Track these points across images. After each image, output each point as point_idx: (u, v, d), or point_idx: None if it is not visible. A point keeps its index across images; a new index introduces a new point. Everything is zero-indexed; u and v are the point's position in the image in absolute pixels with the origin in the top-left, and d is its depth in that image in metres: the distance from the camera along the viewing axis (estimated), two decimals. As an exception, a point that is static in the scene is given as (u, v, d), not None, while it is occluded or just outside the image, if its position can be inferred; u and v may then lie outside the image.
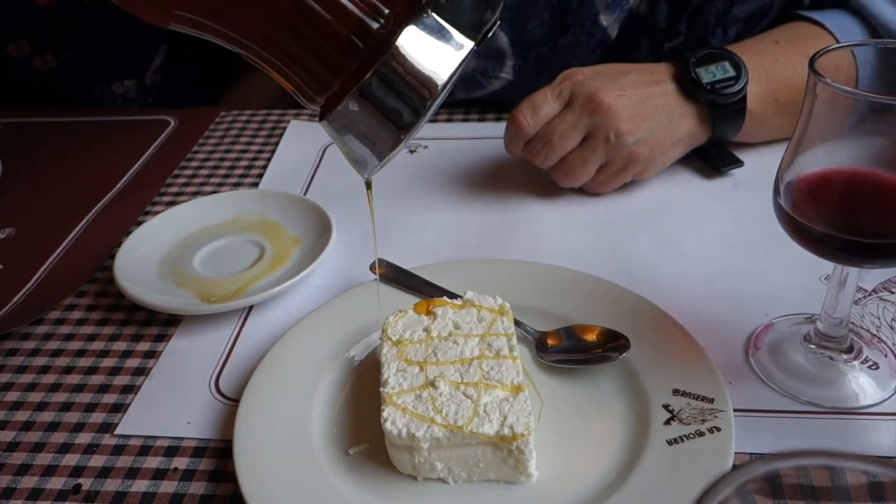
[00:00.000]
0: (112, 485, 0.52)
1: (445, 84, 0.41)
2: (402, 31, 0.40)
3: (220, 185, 0.86)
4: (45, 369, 0.62)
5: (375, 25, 0.40)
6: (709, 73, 0.73)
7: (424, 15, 0.41)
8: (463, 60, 0.42)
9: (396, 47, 0.40)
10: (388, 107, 0.41)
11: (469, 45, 0.42)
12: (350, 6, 0.40)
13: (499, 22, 0.43)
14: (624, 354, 0.55)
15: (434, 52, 0.41)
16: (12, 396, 0.60)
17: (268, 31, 0.40)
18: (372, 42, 0.40)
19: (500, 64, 0.90)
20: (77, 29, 1.02)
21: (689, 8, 0.84)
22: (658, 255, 0.69)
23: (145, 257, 0.71)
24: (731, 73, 0.73)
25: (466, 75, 0.90)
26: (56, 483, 0.52)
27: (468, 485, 0.49)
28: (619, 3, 0.85)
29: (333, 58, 0.40)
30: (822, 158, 0.49)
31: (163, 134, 0.96)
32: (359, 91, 0.41)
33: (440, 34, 0.41)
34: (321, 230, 0.72)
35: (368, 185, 0.51)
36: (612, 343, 0.56)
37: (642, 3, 0.86)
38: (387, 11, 0.41)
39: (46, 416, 0.58)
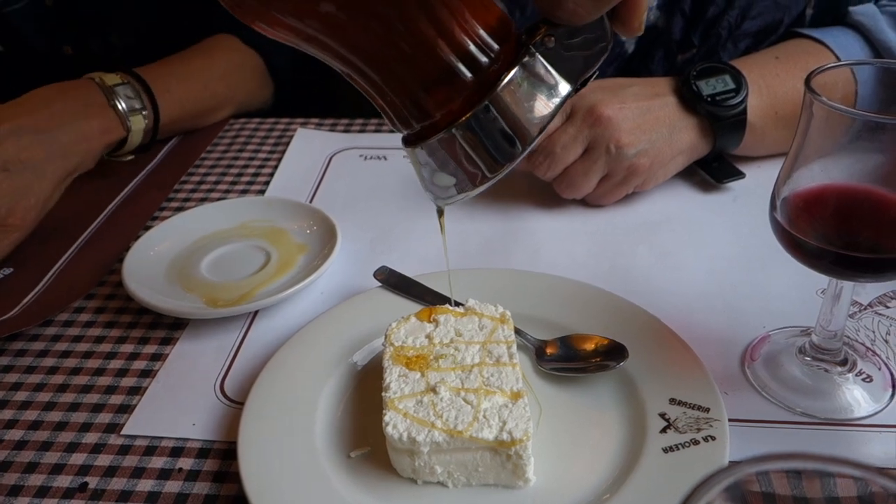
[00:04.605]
0: (118, 484, 0.53)
1: (539, 133, 0.41)
2: (509, 71, 0.40)
3: (227, 191, 0.87)
4: (53, 370, 0.63)
5: (485, 60, 0.40)
6: (709, 86, 0.74)
7: (531, 57, 0.40)
8: (559, 107, 0.41)
9: (502, 88, 0.39)
10: (481, 147, 0.41)
11: (567, 91, 0.41)
12: (464, 38, 0.39)
13: (597, 73, 0.43)
14: (622, 363, 0.56)
15: (535, 98, 0.41)
16: (21, 396, 0.61)
17: (377, 49, 0.39)
18: (480, 78, 0.40)
19: None
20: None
21: (703, 21, 0.85)
22: (657, 266, 0.70)
23: (153, 262, 0.72)
24: (732, 85, 0.75)
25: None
26: (63, 481, 0.53)
27: (467, 489, 0.50)
28: None
29: (440, 88, 0.40)
30: (818, 174, 0.50)
31: (171, 140, 0.98)
32: (459, 126, 0.40)
33: (543, 79, 0.41)
34: (326, 237, 0.73)
35: (441, 212, 0.51)
36: (611, 352, 0.57)
37: (660, 18, 0.87)
38: (496, 47, 0.40)
39: (54, 416, 0.59)
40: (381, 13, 0.38)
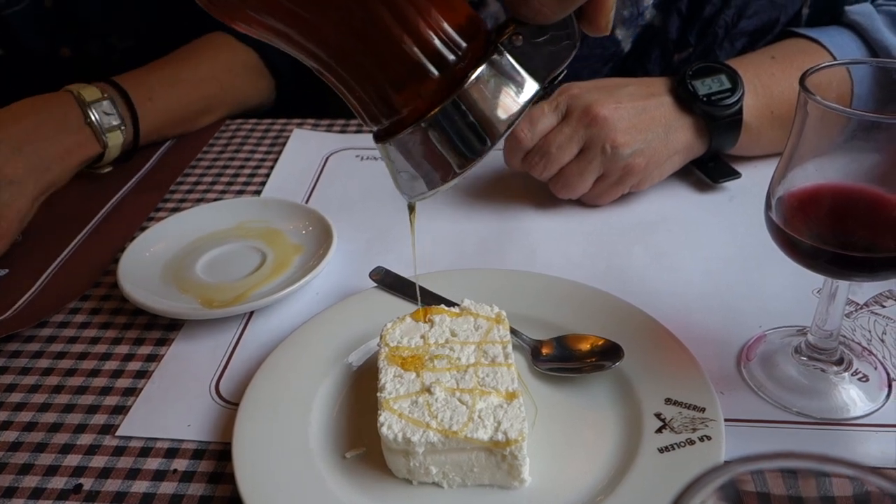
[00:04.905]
0: (112, 485, 0.53)
1: (507, 130, 0.42)
2: (476, 69, 0.40)
3: (223, 192, 0.87)
4: (48, 371, 0.63)
5: (452, 58, 0.40)
6: (705, 86, 0.74)
7: (499, 55, 0.41)
8: (526, 105, 0.42)
9: (469, 85, 0.40)
10: (450, 143, 0.41)
11: (535, 89, 0.42)
12: (430, 34, 0.39)
13: (565, 72, 0.43)
14: (617, 363, 0.56)
15: (502, 95, 0.41)
16: (16, 397, 0.61)
17: (345, 45, 0.40)
18: (447, 74, 0.40)
19: None
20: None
21: (700, 20, 0.85)
22: (653, 266, 0.70)
23: (149, 262, 0.72)
24: (728, 85, 0.75)
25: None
26: (57, 483, 0.53)
27: (462, 489, 0.50)
28: (635, 18, 0.87)
29: (408, 84, 0.40)
30: (813, 174, 0.50)
31: (167, 142, 0.97)
32: (427, 122, 0.41)
33: (511, 77, 0.41)
34: (322, 238, 0.73)
35: (412, 209, 0.52)
36: (606, 352, 0.57)
37: (656, 17, 0.87)
38: (464, 45, 0.40)
39: (49, 417, 0.59)
40: (347, 10, 0.38)
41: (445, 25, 0.40)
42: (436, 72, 0.40)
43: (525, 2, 0.40)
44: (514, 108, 0.42)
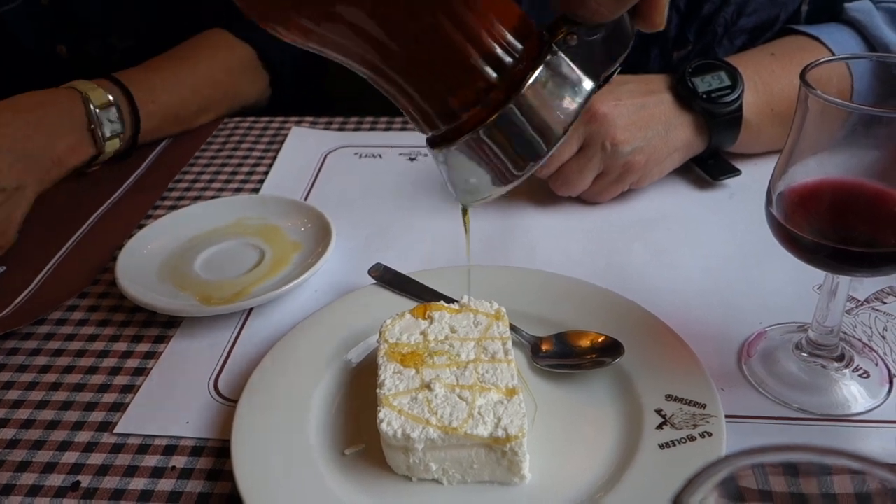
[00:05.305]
0: (110, 482, 0.52)
1: (565, 132, 0.41)
2: (534, 71, 0.39)
3: (221, 190, 0.87)
4: (45, 368, 0.63)
5: (509, 61, 0.39)
6: (704, 83, 0.74)
7: (553, 55, 0.40)
8: (583, 106, 0.41)
9: (527, 88, 0.39)
10: (509, 147, 0.41)
11: (591, 88, 0.41)
12: (489, 39, 0.39)
13: (620, 68, 0.43)
14: (617, 360, 0.56)
15: (559, 96, 0.41)
16: (13, 395, 0.60)
17: (405, 53, 0.39)
18: (505, 77, 0.39)
19: None
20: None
21: (699, 18, 0.85)
22: (653, 263, 0.70)
23: (147, 260, 0.72)
24: (727, 82, 0.74)
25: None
26: (55, 480, 0.53)
27: (462, 486, 0.50)
28: None
29: (467, 90, 0.40)
30: (814, 169, 0.50)
31: (165, 140, 0.97)
32: (486, 127, 0.40)
33: (567, 77, 0.41)
34: (321, 235, 0.73)
35: (465, 211, 0.51)
36: (606, 349, 0.57)
37: None
38: (520, 47, 0.40)
39: (47, 415, 0.58)
40: (409, 18, 0.37)
41: (502, 28, 0.39)
42: (494, 75, 0.39)
43: (581, 2, 0.39)
44: (571, 108, 0.41)
